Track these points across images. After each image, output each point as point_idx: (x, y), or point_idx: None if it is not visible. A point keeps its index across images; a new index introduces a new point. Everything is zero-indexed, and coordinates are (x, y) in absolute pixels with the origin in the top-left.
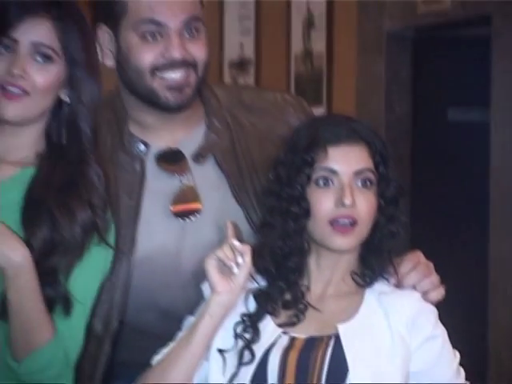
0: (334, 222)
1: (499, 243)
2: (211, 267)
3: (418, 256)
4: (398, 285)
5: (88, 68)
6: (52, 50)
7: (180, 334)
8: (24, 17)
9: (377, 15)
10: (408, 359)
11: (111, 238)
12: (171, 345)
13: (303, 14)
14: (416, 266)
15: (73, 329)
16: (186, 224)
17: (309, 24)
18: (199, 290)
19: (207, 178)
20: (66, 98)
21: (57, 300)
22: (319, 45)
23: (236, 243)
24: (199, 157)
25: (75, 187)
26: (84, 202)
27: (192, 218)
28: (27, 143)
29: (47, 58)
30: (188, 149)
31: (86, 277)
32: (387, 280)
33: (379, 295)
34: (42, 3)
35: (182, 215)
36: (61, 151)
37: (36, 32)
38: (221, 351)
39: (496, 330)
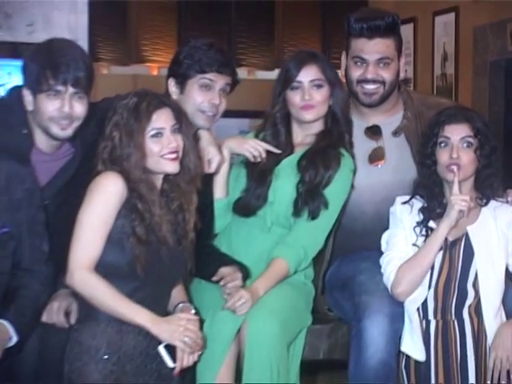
0: (448, 167)
1: None
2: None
3: None
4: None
5: (338, 83)
6: (321, 80)
7: (384, 236)
8: (303, 65)
9: (484, 52)
10: (507, 245)
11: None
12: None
13: (441, 53)
14: None
15: (318, 231)
16: (377, 169)
17: (444, 58)
18: (387, 211)
19: (398, 146)
20: (330, 102)
21: (320, 207)
22: (450, 70)
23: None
24: (396, 133)
25: (333, 145)
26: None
27: (380, 165)
28: (312, 131)
29: (320, 86)
30: (387, 127)
31: (339, 191)
32: (495, 200)
33: (490, 208)
34: (313, 56)
35: (375, 164)
36: (326, 133)
37: (311, 73)
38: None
39: None
